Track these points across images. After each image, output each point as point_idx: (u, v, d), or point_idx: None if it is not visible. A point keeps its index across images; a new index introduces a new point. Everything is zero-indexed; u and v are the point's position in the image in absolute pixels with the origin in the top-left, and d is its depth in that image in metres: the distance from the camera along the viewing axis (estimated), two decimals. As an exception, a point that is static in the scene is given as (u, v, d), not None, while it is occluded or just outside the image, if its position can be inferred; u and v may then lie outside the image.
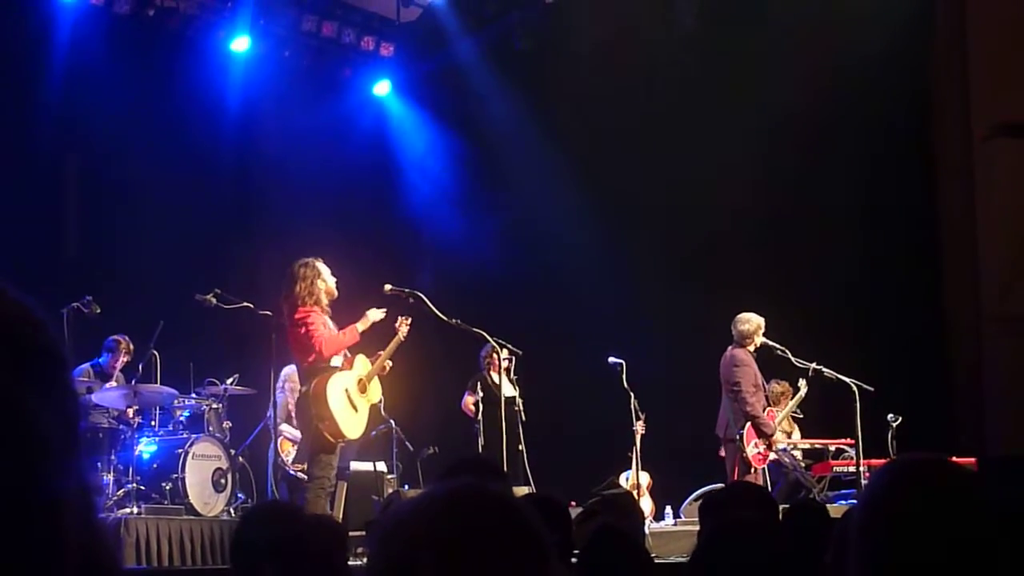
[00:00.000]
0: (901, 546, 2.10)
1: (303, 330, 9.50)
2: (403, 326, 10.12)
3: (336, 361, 9.69)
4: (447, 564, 1.52)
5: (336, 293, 9.75)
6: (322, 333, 9.50)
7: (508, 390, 12.04)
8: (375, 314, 9.79)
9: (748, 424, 11.56)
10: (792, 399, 12.39)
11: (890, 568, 2.10)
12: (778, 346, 11.79)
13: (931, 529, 2.08)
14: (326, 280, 9.69)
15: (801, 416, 12.85)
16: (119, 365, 11.57)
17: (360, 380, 9.85)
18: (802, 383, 12.27)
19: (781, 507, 7.16)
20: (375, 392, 10.04)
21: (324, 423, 9.46)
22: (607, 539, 4.47)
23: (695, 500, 12.69)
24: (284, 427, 11.62)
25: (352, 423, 9.66)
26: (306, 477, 11.44)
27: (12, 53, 12.99)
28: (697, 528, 5.04)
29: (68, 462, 1.27)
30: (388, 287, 10.07)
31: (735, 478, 11.40)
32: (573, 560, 4.46)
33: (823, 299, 14.17)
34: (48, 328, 1.33)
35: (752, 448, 11.53)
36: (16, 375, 1.24)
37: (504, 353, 11.71)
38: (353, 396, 9.71)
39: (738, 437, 11.52)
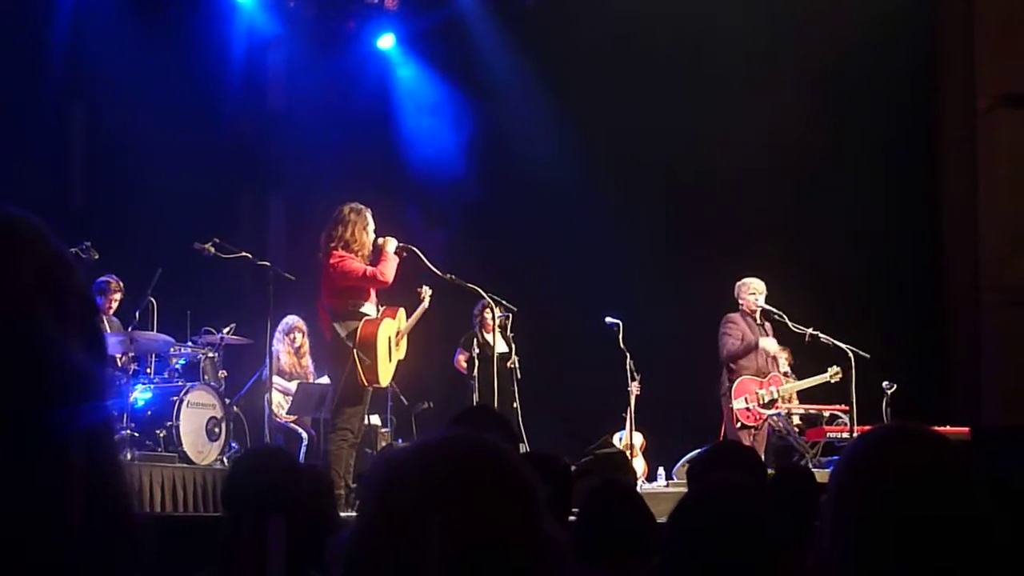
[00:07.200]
0: (874, 514, 2.10)
1: (337, 272, 9.60)
2: (425, 295, 10.31)
3: (369, 310, 9.75)
4: (455, 523, 1.51)
5: (370, 250, 9.82)
6: (360, 266, 9.62)
7: (502, 347, 12.06)
8: (390, 243, 9.84)
9: (739, 380, 11.66)
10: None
11: (863, 531, 2.10)
12: (775, 310, 11.81)
13: (901, 498, 2.08)
14: (368, 233, 9.78)
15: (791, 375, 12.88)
16: (111, 307, 11.46)
17: (398, 332, 9.98)
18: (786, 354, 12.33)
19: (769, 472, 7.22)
20: (403, 349, 10.16)
21: (365, 364, 9.51)
22: (609, 494, 4.43)
23: (688, 462, 12.71)
24: (276, 379, 11.60)
25: (386, 371, 9.83)
26: (299, 429, 11.53)
27: (19, 1, 12.95)
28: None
29: (92, 402, 1.29)
30: (382, 240, 10.05)
31: (721, 436, 11.57)
32: (571, 519, 4.43)
33: (822, 265, 14.15)
34: (81, 273, 1.35)
35: (740, 403, 11.64)
36: (56, 318, 1.28)
37: (499, 311, 11.72)
38: (391, 346, 9.84)
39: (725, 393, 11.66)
